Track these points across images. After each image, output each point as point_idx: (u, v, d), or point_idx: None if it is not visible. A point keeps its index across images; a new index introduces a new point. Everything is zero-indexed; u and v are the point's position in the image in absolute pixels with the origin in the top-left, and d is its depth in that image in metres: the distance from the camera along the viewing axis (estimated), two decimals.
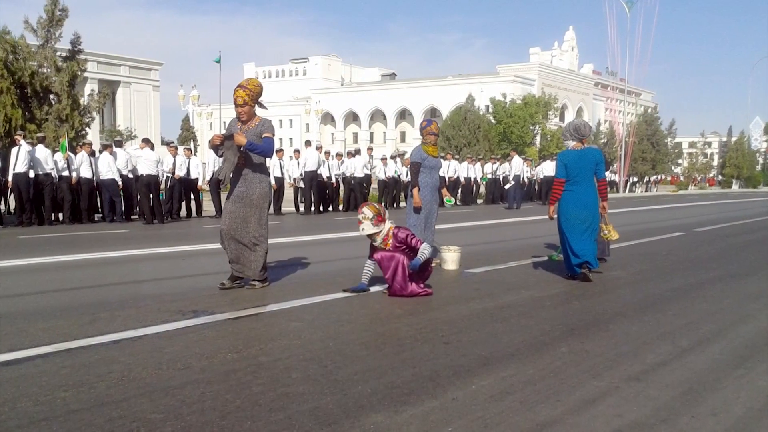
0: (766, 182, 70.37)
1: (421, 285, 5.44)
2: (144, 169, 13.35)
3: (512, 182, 20.85)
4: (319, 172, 17.01)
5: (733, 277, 6.77)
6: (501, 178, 23.35)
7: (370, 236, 5.44)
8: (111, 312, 4.70)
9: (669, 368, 3.49)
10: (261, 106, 5.72)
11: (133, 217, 14.36)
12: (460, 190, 22.64)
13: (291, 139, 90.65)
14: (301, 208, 17.40)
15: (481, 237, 11.25)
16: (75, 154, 13.42)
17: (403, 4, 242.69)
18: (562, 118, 71.90)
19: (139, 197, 13.90)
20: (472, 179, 23.21)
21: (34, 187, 12.41)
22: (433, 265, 5.74)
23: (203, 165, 15.70)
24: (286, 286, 5.85)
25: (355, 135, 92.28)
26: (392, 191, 19.89)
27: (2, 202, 14.01)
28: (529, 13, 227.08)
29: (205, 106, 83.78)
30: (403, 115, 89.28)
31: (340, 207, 18.53)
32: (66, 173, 12.94)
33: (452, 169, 21.82)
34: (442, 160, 10.15)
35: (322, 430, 2.61)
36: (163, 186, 14.44)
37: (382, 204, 14.15)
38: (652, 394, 3.08)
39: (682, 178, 66.93)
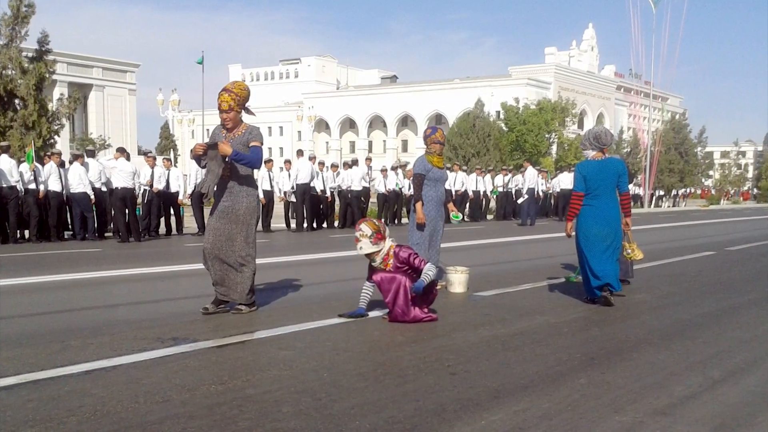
0: None
1: (425, 309, 5.45)
2: (119, 182, 13.39)
3: (526, 196, 20.90)
4: (312, 184, 17.05)
5: None
6: (513, 192, 23.41)
7: (369, 256, 5.46)
8: (82, 339, 4.72)
9: (699, 401, 3.51)
10: (248, 112, 5.78)
11: (106, 234, 14.37)
12: (468, 205, 22.70)
13: (281, 148, 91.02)
14: (293, 225, 17.43)
15: (491, 256, 11.28)
16: (42, 165, 13.47)
17: (405, 0, 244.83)
18: (580, 126, 72.31)
19: (113, 212, 13.94)
20: (482, 193, 23.27)
21: None
22: (438, 287, 5.77)
23: (184, 177, 15.74)
24: (275, 310, 5.87)
25: (352, 144, 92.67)
26: (393, 206, 19.93)
27: None
28: (545, 9, 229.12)
29: (187, 112, 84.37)
30: (405, 121, 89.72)
31: (336, 223, 18.57)
32: (33, 186, 12.97)
33: (459, 181, 21.87)
34: (448, 172, 10.23)
35: None
36: (139, 200, 14.48)
37: (382, 220, 14.17)
38: (680, 429, 3.10)
39: (713, 192, 67.08)
